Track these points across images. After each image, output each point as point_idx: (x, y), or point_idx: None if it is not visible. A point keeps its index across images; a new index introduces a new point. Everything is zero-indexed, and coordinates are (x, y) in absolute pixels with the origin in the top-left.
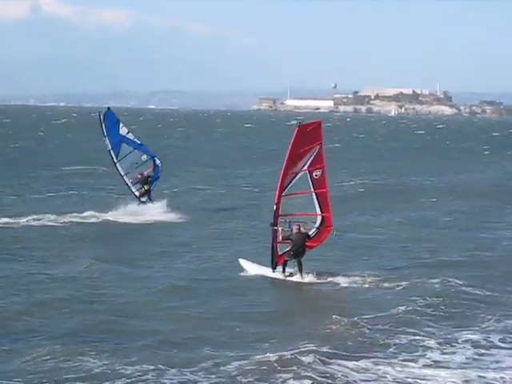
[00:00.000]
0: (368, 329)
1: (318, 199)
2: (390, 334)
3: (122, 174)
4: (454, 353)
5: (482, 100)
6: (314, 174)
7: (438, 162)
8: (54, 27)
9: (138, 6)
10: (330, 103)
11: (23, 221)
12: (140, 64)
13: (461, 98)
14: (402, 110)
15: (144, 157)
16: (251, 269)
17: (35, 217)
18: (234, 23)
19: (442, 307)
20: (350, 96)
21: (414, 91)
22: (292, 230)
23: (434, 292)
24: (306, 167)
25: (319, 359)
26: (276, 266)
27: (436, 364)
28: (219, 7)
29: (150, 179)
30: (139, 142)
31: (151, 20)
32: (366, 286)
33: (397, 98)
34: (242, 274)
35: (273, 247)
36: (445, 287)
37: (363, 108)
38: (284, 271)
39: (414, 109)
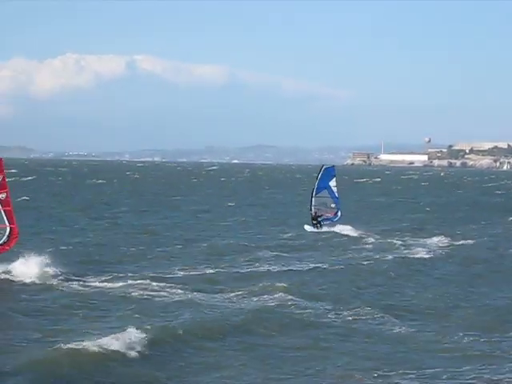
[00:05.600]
0: None
1: (5, 215)
2: None
3: (312, 204)
4: None
5: None
6: (0, 196)
7: None
8: (149, 84)
9: (230, 62)
10: (425, 157)
11: None
12: (232, 120)
13: None
14: (497, 164)
15: (333, 205)
16: None
17: None
18: (324, 79)
19: None
20: (444, 150)
21: (508, 145)
22: None
23: None
24: None
25: None
26: None
27: None
28: (309, 64)
29: (319, 218)
30: (337, 196)
31: (243, 76)
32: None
33: (492, 151)
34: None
35: None
36: None
37: (458, 162)
38: None
39: (509, 162)
